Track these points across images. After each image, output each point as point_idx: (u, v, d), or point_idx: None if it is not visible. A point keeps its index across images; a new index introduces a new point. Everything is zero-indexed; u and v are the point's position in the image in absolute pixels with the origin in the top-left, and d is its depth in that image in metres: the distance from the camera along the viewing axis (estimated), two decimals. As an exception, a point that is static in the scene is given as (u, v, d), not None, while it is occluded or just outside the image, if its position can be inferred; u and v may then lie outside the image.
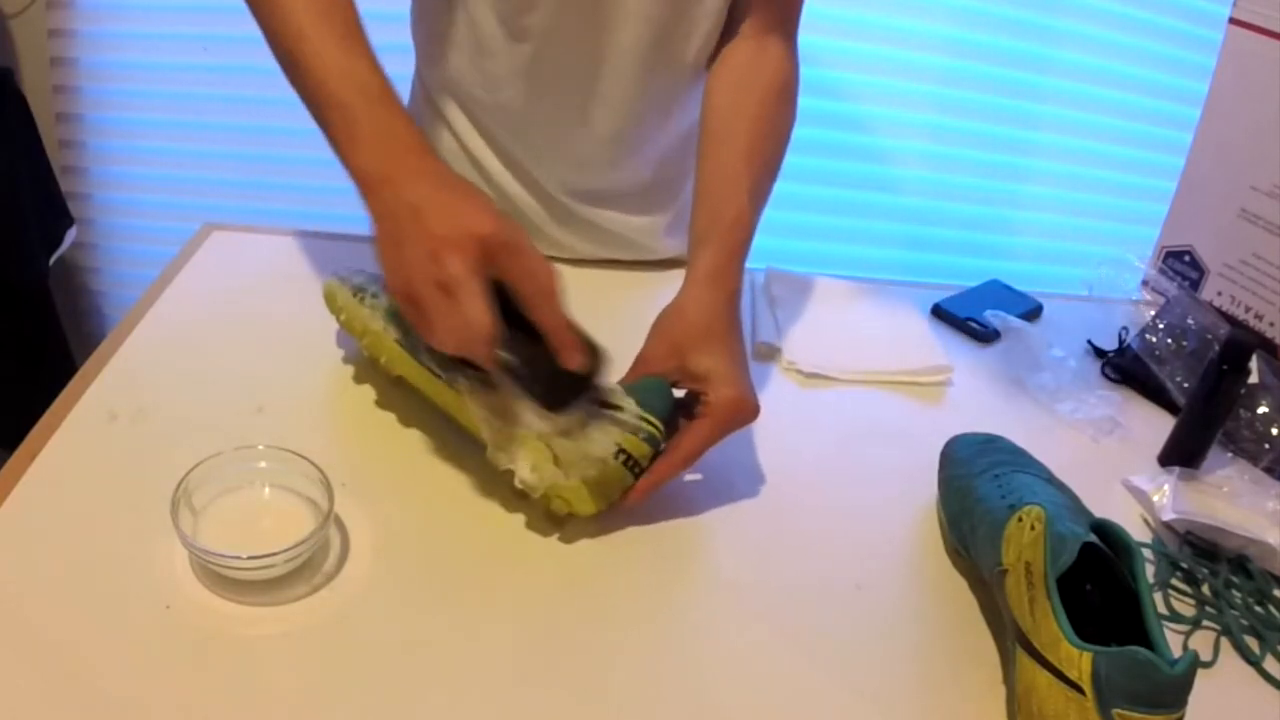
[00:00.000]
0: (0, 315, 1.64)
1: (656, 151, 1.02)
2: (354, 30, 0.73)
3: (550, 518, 0.73)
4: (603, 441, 0.69)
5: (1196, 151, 1.13)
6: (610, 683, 0.63)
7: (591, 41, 0.90)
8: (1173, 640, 0.70)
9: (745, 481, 0.81)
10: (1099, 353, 1.06)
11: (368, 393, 0.84)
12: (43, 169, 1.69)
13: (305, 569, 0.66)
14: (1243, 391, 0.88)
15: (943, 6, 1.73)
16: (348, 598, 0.65)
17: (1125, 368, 1.03)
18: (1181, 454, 0.89)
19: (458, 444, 0.78)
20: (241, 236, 1.04)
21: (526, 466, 0.69)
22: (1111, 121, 1.85)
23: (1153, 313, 1.07)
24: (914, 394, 0.95)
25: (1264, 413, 0.92)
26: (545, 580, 0.69)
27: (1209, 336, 1.01)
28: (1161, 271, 1.16)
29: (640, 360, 0.77)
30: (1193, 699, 0.55)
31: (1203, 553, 0.79)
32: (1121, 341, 1.05)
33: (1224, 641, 0.72)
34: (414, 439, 0.80)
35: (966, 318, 1.07)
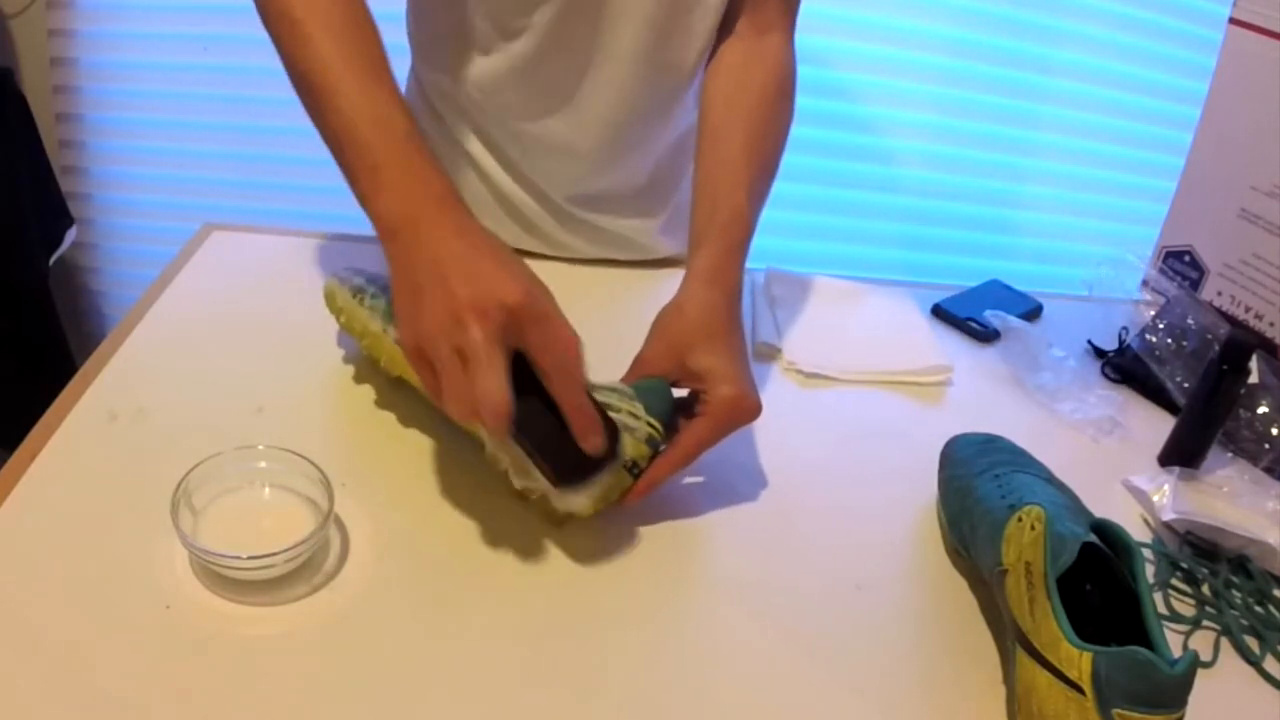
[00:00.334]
0: (0, 315, 1.64)
1: (653, 152, 1.02)
2: (380, 67, 0.70)
3: (550, 518, 0.73)
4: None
5: (1196, 151, 1.13)
6: (611, 682, 0.63)
7: (588, 44, 0.90)
8: (1173, 640, 0.70)
9: (745, 481, 0.81)
10: (1099, 353, 1.06)
11: (368, 393, 0.84)
12: (43, 169, 1.69)
13: (305, 569, 0.66)
14: (1243, 391, 0.88)
15: (943, 6, 1.73)
16: (348, 598, 0.65)
17: (1125, 368, 1.03)
18: (1181, 454, 0.89)
19: (458, 444, 0.78)
20: (241, 236, 1.04)
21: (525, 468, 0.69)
22: (1111, 121, 1.85)
23: (1153, 313, 1.07)
24: (914, 394, 0.95)
25: (1264, 413, 0.92)
26: (545, 581, 0.69)
27: (1209, 336, 1.01)
28: (1161, 271, 1.16)
29: (639, 360, 0.77)
30: (1193, 699, 0.55)
31: (1203, 553, 0.79)
32: (1121, 341, 1.05)
33: (1224, 641, 0.72)
34: (414, 439, 0.80)
35: (966, 318, 1.07)
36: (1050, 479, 0.76)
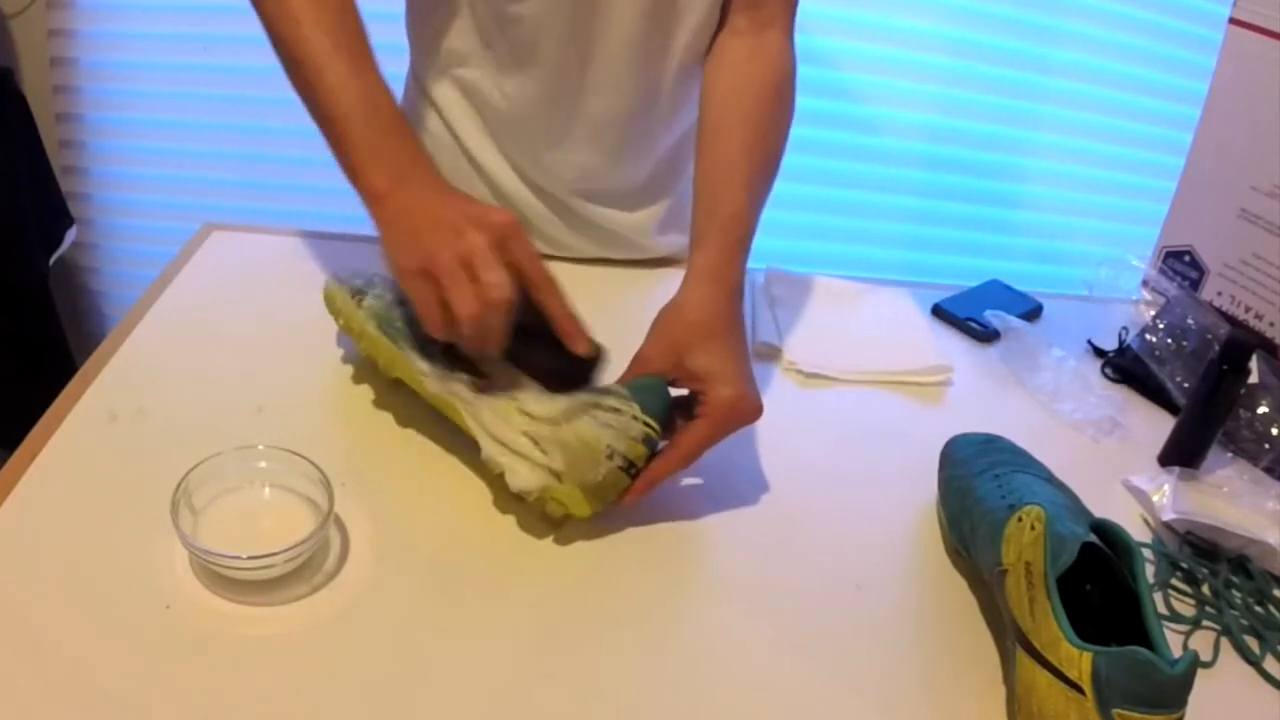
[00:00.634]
0: (0, 315, 1.64)
1: (651, 145, 1.02)
2: (363, 49, 0.75)
3: (548, 518, 0.73)
4: (595, 435, 0.69)
5: (1196, 151, 1.13)
6: (611, 682, 0.63)
7: (582, 32, 0.90)
8: (1173, 640, 0.70)
9: (745, 481, 0.81)
10: (1099, 353, 1.06)
11: (368, 393, 0.84)
12: (43, 169, 1.69)
13: (305, 569, 0.66)
14: (1243, 391, 0.88)
15: (943, 6, 1.73)
16: (348, 598, 0.65)
17: (1125, 368, 1.03)
18: (1181, 454, 0.89)
19: (457, 444, 0.78)
20: (241, 236, 1.04)
21: (521, 471, 0.69)
22: (1111, 121, 1.85)
23: (1153, 313, 1.07)
24: (914, 394, 0.95)
25: (1264, 413, 0.92)
26: (545, 580, 0.69)
27: (1209, 336, 1.01)
28: (1161, 271, 1.16)
29: (638, 359, 0.77)
30: (1193, 699, 0.55)
31: (1203, 553, 0.79)
32: (1121, 341, 1.05)
33: (1224, 641, 0.72)
34: (414, 439, 0.80)
35: (966, 318, 1.07)
36: (1050, 479, 0.76)
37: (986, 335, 1.06)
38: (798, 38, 0.92)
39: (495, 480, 0.74)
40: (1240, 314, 1.08)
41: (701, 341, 0.74)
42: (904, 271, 1.91)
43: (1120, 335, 1.06)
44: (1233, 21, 1.07)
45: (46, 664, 0.58)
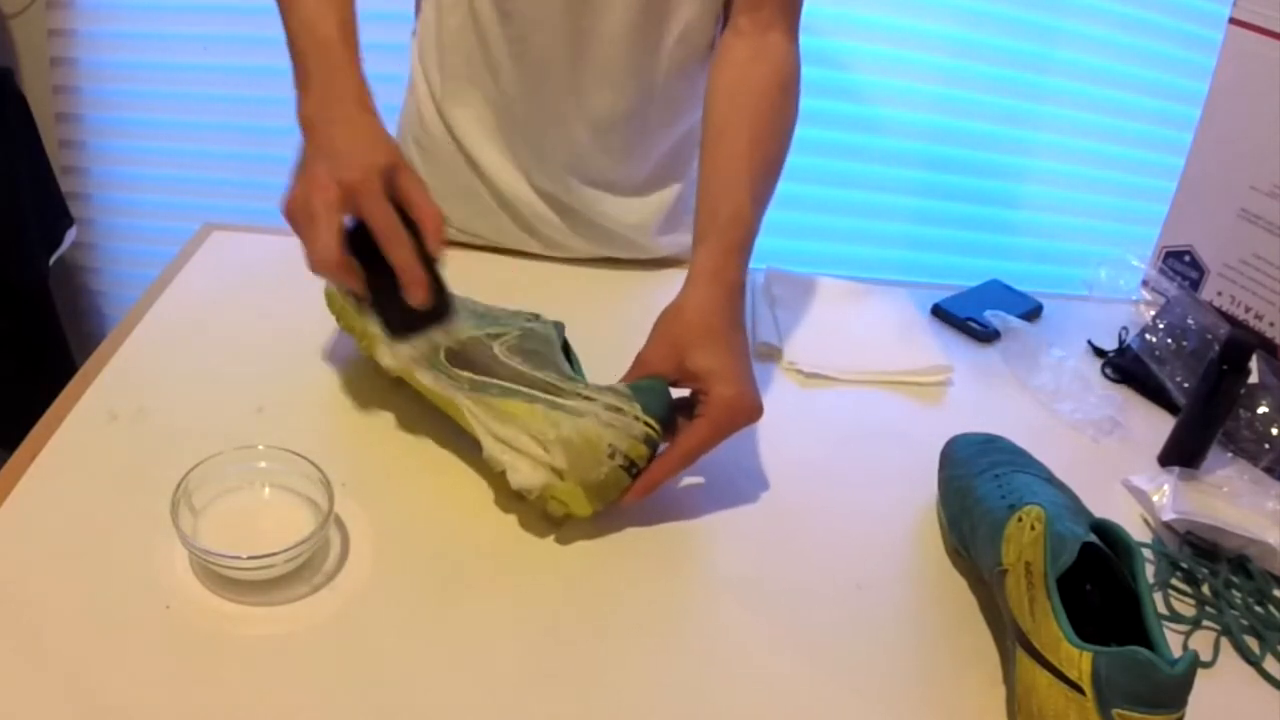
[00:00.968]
0: (0, 315, 1.64)
1: (649, 143, 1.02)
2: None
3: (549, 518, 0.73)
4: (598, 434, 0.69)
5: (1196, 151, 1.13)
6: (611, 681, 0.63)
7: (575, 26, 0.91)
8: (1173, 640, 0.70)
9: (745, 481, 0.81)
10: (1099, 353, 1.06)
11: (368, 392, 0.84)
12: (43, 169, 1.69)
13: (305, 569, 0.66)
14: (1243, 391, 0.88)
15: (943, 6, 1.73)
16: (348, 598, 0.65)
17: (1125, 368, 1.03)
18: (1181, 454, 0.89)
19: (457, 443, 0.78)
20: (241, 236, 1.04)
21: (522, 469, 0.69)
22: (1111, 121, 1.84)
23: (1153, 313, 1.07)
24: (914, 394, 0.95)
25: (1264, 413, 0.92)
26: (545, 580, 0.69)
27: (1209, 336, 1.01)
28: (1161, 271, 1.16)
29: (640, 361, 0.77)
30: (1193, 699, 0.55)
31: (1203, 553, 0.79)
32: (1121, 341, 1.05)
33: (1224, 641, 0.72)
34: (414, 438, 0.80)
35: (966, 318, 1.07)
36: (1050, 479, 0.76)
37: (986, 335, 1.06)
38: (800, 34, 0.92)
39: (495, 479, 0.74)
40: (1240, 314, 1.08)
41: (701, 342, 0.74)
42: (904, 271, 1.91)
43: (1120, 335, 1.06)
44: (1233, 21, 1.07)
45: (47, 664, 0.58)
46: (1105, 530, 0.65)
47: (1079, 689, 0.57)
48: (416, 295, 0.69)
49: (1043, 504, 0.66)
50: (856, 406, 0.93)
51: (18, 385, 1.58)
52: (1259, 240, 1.05)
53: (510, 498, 0.74)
